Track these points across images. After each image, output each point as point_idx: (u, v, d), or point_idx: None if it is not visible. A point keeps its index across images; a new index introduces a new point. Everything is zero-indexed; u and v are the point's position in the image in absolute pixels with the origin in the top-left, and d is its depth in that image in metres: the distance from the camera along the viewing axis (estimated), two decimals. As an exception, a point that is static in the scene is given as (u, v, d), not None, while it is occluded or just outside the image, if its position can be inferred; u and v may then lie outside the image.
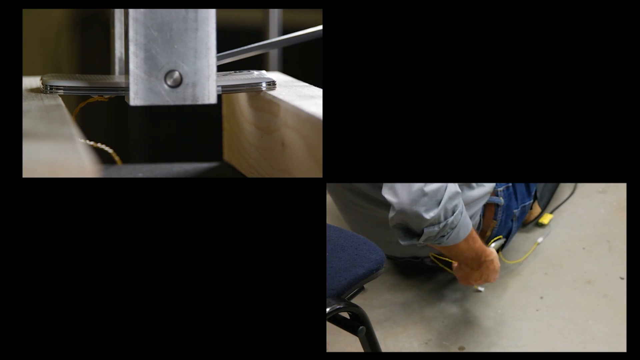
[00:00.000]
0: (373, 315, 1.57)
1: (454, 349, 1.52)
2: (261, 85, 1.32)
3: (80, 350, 1.29)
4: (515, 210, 1.65)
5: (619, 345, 1.47)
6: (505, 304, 1.61)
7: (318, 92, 1.31)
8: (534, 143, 1.21)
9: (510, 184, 1.65)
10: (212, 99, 1.21)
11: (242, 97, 1.41)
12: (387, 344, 1.54)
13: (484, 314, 1.59)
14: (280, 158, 1.25)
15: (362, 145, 1.21)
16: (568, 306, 1.58)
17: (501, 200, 1.63)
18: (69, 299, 1.30)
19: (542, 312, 1.58)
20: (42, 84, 1.32)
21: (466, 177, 1.22)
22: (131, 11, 1.18)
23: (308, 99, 1.24)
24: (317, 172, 1.12)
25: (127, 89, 1.21)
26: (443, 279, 1.68)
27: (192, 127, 2.74)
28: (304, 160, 1.16)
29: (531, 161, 1.21)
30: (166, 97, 1.20)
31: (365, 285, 1.48)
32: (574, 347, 1.47)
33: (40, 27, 3.18)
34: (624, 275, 1.61)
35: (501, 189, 1.63)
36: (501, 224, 1.63)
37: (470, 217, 1.52)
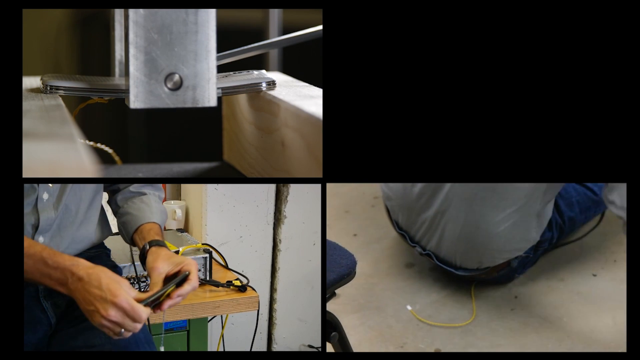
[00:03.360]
0: (347, 320, 1.57)
1: (431, 350, 1.52)
2: (261, 86, 1.32)
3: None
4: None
5: (593, 341, 1.48)
6: (480, 304, 1.61)
7: (318, 92, 1.31)
8: (534, 143, 1.21)
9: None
10: (213, 102, 1.21)
11: (242, 97, 1.41)
12: (362, 349, 1.54)
13: (460, 315, 1.59)
14: (280, 158, 1.25)
15: (362, 145, 1.21)
16: (542, 304, 1.59)
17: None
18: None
19: (517, 312, 1.59)
20: (42, 84, 1.32)
21: (466, 177, 1.22)
22: (131, 14, 1.17)
23: (308, 99, 1.24)
24: (317, 172, 1.12)
25: (127, 91, 1.21)
26: (417, 282, 1.67)
27: (192, 127, 2.74)
28: (304, 160, 1.16)
29: (532, 161, 1.21)
30: (166, 99, 1.20)
31: (337, 291, 1.49)
32: (550, 345, 1.48)
33: (40, 27, 3.18)
34: (596, 272, 1.64)
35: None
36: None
37: None
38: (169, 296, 1.21)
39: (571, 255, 1.70)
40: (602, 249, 1.69)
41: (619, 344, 1.45)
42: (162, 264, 1.23)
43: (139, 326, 1.15)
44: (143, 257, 1.28)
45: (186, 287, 1.21)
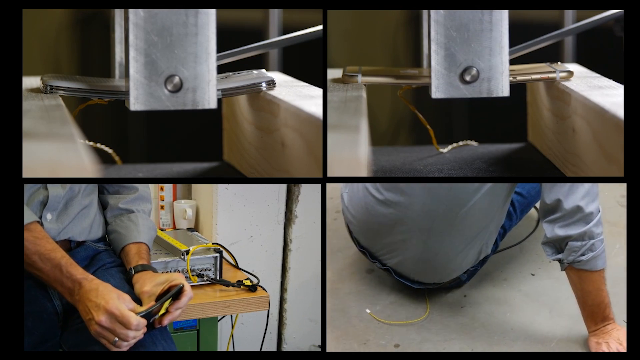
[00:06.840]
0: (315, 322, 1.68)
1: (390, 346, 1.62)
2: (261, 86, 1.32)
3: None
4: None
5: (534, 332, 1.62)
6: (433, 303, 1.73)
7: (318, 92, 1.31)
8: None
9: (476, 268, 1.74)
10: (213, 104, 1.22)
11: (242, 97, 1.41)
12: (329, 347, 1.62)
13: (416, 314, 1.70)
14: (280, 158, 1.25)
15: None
16: (488, 301, 1.73)
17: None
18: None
19: (467, 309, 1.71)
20: (42, 84, 1.32)
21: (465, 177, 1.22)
22: (131, 16, 1.17)
23: (308, 99, 1.24)
24: (317, 172, 1.12)
25: (127, 93, 1.21)
26: (377, 286, 1.79)
27: (192, 127, 2.74)
28: (304, 160, 1.16)
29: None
30: (166, 102, 1.21)
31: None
32: (496, 337, 1.62)
33: (40, 27, 3.18)
34: (534, 272, 1.81)
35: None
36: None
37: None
38: (167, 311, 1.25)
39: (512, 258, 1.85)
40: (538, 252, 1.82)
41: (555, 334, 1.60)
42: (149, 286, 1.28)
43: (131, 334, 1.19)
44: (130, 283, 1.32)
45: (183, 299, 1.27)
